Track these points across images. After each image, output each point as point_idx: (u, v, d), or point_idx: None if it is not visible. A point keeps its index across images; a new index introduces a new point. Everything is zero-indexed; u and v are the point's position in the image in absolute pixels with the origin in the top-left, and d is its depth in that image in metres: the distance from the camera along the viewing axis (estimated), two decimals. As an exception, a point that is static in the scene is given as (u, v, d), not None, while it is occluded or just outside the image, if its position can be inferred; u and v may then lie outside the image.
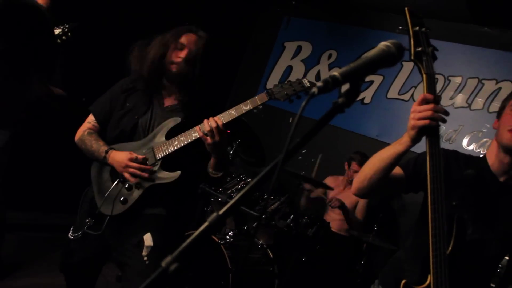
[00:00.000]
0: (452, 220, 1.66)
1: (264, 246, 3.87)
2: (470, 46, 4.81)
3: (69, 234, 2.36)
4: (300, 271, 3.93)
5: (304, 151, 5.40)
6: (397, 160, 1.69)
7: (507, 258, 2.00)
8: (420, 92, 4.89)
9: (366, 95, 5.36)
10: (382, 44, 1.00)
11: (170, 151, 2.21)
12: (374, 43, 1.02)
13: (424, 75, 1.59)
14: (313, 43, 6.01)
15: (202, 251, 3.56)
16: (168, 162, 2.25)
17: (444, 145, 4.60)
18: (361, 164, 4.52)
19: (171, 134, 2.24)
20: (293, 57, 6.14)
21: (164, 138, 2.24)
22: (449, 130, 4.68)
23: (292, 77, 6.00)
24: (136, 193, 2.24)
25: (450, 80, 4.84)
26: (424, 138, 1.59)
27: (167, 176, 2.23)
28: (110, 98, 2.40)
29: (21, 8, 2.54)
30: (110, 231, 2.28)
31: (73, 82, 3.49)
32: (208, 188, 3.99)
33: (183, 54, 2.23)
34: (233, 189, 4.07)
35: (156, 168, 2.24)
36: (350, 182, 4.69)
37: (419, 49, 1.59)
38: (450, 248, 1.63)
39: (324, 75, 5.75)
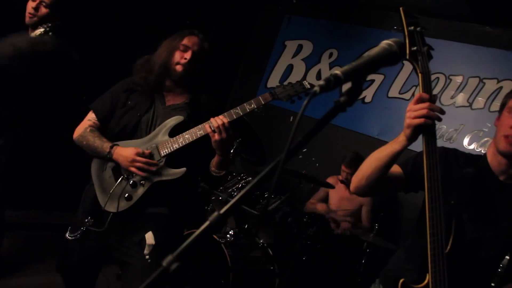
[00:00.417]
0: (450, 219, 1.66)
1: (265, 245, 3.87)
2: (471, 45, 4.80)
3: (67, 235, 2.36)
4: (301, 270, 3.93)
5: (305, 150, 5.40)
6: (394, 159, 1.70)
7: (507, 257, 2.00)
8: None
9: (367, 94, 5.35)
10: (384, 43, 1.00)
11: (174, 148, 2.23)
12: (375, 42, 1.01)
13: (420, 74, 1.60)
14: (314, 42, 6.00)
15: (203, 250, 3.56)
16: (173, 159, 2.26)
17: (445, 144, 4.59)
18: (347, 164, 4.51)
19: (174, 133, 2.25)
20: (294, 56, 6.13)
21: (167, 136, 2.26)
22: (450, 129, 4.68)
23: (293, 76, 6.04)
24: (141, 190, 2.25)
25: (451, 79, 4.83)
26: (420, 137, 1.59)
27: (173, 172, 2.24)
28: (111, 96, 2.41)
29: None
30: (111, 230, 2.28)
31: (73, 82, 3.47)
32: (208, 187, 3.99)
33: (187, 55, 2.27)
34: (233, 188, 4.07)
35: (161, 165, 2.25)
36: (343, 182, 4.66)
37: (414, 48, 1.60)
38: (448, 247, 1.63)
39: (325, 74, 5.75)
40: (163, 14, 4.96)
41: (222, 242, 3.50)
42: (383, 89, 5.26)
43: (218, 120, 2.12)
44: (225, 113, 2.18)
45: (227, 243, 3.55)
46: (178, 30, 2.39)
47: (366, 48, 5.31)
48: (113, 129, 2.36)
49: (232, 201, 0.87)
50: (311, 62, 5.95)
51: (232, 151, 4.12)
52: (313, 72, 5.90)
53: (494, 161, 1.84)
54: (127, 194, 2.25)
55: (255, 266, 3.72)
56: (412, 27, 1.62)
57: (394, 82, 5.20)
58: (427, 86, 1.60)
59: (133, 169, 2.20)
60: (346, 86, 0.92)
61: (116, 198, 2.26)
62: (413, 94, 5.05)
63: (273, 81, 6.23)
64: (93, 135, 2.34)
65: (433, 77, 4.90)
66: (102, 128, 2.41)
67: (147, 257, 2.19)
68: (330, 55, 5.81)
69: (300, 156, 5.38)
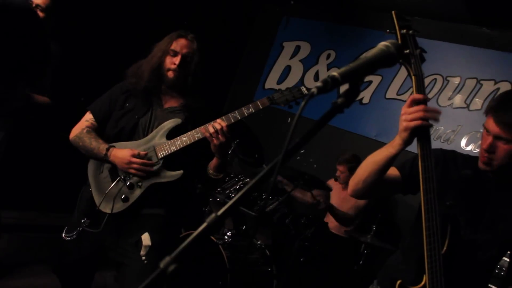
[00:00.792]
0: (446, 220, 1.66)
1: (263, 246, 3.86)
2: (469, 46, 4.81)
3: (63, 235, 2.35)
4: (299, 271, 3.93)
5: (303, 151, 5.40)
6: (390, 162, 1.71)
7: (506, 259, 2.00)
8: (419, 92, 4.92)
9: (365, 95, 5.36)
10: (382, 44, 1.00)
11: (172, 150, 2.23)
12: (373, 43, 1.02)
13: (413, 77, 1.62)
14: (311, 43, 6.00)
15: (201, 251, 3.55)
16: (170, 162, 2.26)
17: (442, 145, 4.60)
18: (339, 163, 4.52)
19: (171, 135, 2.25)
20: (291, 57, 6.14)
21: (165, 138, 2.26)
22: (447, 130, 4.68)
23: (291, 77, 6.04)
24: (138, 191, 2.25)
25: (448, 81, 4.84)
26: (415, 140, 1.60)
27: (170, 175, 2.25)
28: (109, 98, 2.41)
29: (14, 12, 2.52)
30: (108, 231, 2.28)
31: (72, 83, 3.48)
32: (206, 188, 3.98)
33: (177, 60, 2.28)
34: (231, 189, 4.07)
35: (158, 167, 2.25)
36: (337, 180, 4.66)
37: (407, 51, 1.62)
38: (445, 248, 1.63)
39: (323, 75, 5.76)
40: (161, 15, 4.96)
41: (220, 244, 3.50)
42: (381, 90, 5.27)
43: (217, 125, 2.13)
44: (223, 117, 2.19)
45: (225, 245, 3.54)
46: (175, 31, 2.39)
47: (364, 49, 5.32)
48: (111, 131, 2.37)
49: (230, 202, 0.87)
50: (309, 63, 5.95)
51: (230, 152, 4.12)
52: (310, 73, 5.90)
53: None
54: (123, 196, 2.25)
55: (253, 268, 3.71)
56: (404, 30, 1.64)
57: (391, 83, 5.21)
58: (421, 88, 1.61)
59: (131, 170, 2.21)
60: (343, 88, 0.92)
61: (112, 199, 2.26)
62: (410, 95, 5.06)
63: (271, 82, 6.24)
64: (89, 136, 2.34)
65: (430, 78, 4.92)
66: (99, 130, 2.41)
67: (143, 258, 2.19)
68: (328, 56, 5.81)
69: (298, 157, 5.38)
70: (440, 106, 4.77)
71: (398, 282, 1.68)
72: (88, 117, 2.43)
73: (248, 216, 3.92)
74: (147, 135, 2.31)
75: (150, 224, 2.28)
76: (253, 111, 2.21)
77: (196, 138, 2.20)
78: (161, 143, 2.26)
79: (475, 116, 4.61)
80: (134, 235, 2.25)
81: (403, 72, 5.10)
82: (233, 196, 3.98)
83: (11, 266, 3.65)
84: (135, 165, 2.20)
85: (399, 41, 1.63)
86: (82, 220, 2.29)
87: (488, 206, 1.81)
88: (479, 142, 4.48)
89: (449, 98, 4.80)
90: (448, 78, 4.85)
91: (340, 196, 4.70)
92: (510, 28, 4.55)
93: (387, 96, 5.23)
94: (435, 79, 4.88)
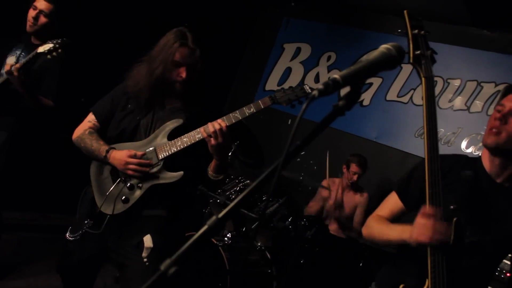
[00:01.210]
0: (450, 223, 1.66)
1: (263, 248, 3.86)
2: (469, 48, 4.81)
3: (67, 235, 2.35)
4: (298, 273, 3.92)
5: (303, 152, 5.40)
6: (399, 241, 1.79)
7: (507, 262, 2.00)
8: (419, 94, 4.92)
9: (365, 97, 5.36)
10: (383, 47, 1.00)
11: (173, 151, 2.22)
12: (374, 45, 1.02)
13: (423, 78, 1.60)
14: (312, 44, 6.01)
15: (201, 253, 3.55)
16: (170, 162, 2.25)
17: (443, 147, 4.60)
18: (360, 165, 4.52)
19: (172, 136, 2.25)
20: (292, 59, 6.14)
21: (166, 139, 2.25)
22: (448, 132, 4.68)
23: (291, 79, 6.05)
24: (138, 193, 2.24)
25: (449, 83, 4.84)
26: (423, 142, 1.60)
27: (170, 176, 2.24)
28: (112, 98, 2.41)
29: None
30: (109, 232, 2.27)
31: (73, 84, 3.49)
32: (206, 189, 3.98)
33: (183, 72, 2.21)
34: (231, 190, 4.07)
35: (158, 168, 2.24)
36: (350, 185, 4.68)
37: (418, 52, 1.60)
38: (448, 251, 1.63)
39: (323, 76, 5.76)
40: (161, 16, 4.96)
41: (220, 245, 3.50)
42: (381, 92, 5.27)
43: (216, 125, 2.09)
44: (224, 117, 2.16)
45: (225, 246, 3.54)
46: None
47: (364, 51, 5.33)
48: (112, 132, 2.36)
49: (231, 205, 0.87)
50: (309, 65, 5.96)
51: (230, 154, 4.12)
52: (311, 75, 5.91)
53: (489, 163, 1.85)
54: (124, 197, 2.24)
55: (253, 269, 3.71)
56: (416, 31, 1.63)
57: (392, 85, 5.21)
58: (430, 90, 1.60)
59: (128, 171, 2.20)
60: (344, 90, 0.92)
61: (113, 200, 2.25)
62: (411, 98, 5.05)
63: (271, 83, 6.24)
64: (90, 138, 2.34)
65: (431, 80, 4.91)
66: (101, 130, 2.41)
67: (145, 260, 2.18)
68: (329, 58, 5.81)
69: (298, 159, 5.38)
70: (440, 108, 4.77)
71: (401, 286, 1.68)
72: (91, 118, 2.43)
73: (249, 217, 3.92)
74: (148, 136, 2.31)
75: (151, 225, 2.27)
76: (254, 111, 2.17)
77: (197, 139, 2.18)
78: (162, 144, 2.25)
79: (475, 118, 4.61)
80: (135, 236, 2.24)
81: (403, 74, 5.11)
82: (233, 198, 3.99)
83: (11, 266, 3.65)
84: (131, 166, 2.19)
85: (411, 41, 1.62)
86: (86, 221, 2.29)
87: (489, 207, 1.81)
88: (480, 144, 4.51)
89: (450, 100, 4.80)
90: (448, 81, 4.85)
91: (339, 198, 4.70)
92: (511, 30, 4.56)
93: (388, 98, 5.23)
94: (436, 81, 4.88)
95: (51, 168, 4.60)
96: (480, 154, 1.92)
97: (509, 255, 2.00)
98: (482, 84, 4.66)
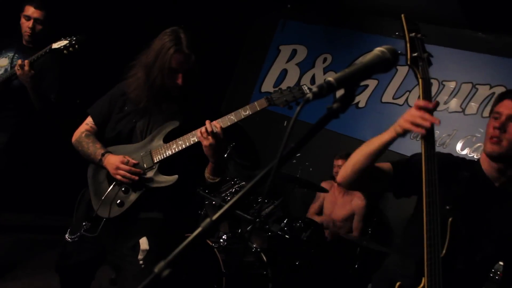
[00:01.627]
0: (446, 223, 1.67)
1: (258, 249, 3.86)
2: (464, 51, 4.83)
3: (66, 236, 2.36)
4: (294, 275, 3.92)
5: (299, 154, 5.40)
6: (382, 147, 1.73)
7: (501, 263, 2.01)
8: (415, 96, 4.93)
9: (361, 99, 5.37)
10: (377, 50, 1.00)
11: (168, 154, 2.21)
12: (370, 47, 1.02)
13: (420, 80, 1.63)
14: (308, 46, 6.01)
15: (196, 254, 3.54)
16: (166, 165, 2.25)
17: (438, 149, 4.60)
18: (341, 157, 4.55)
19: (169, 138, 2.24)
20: (288, 61, 6.14)
21: (162, 142, 2.24)
22: (443, 134, 4.70)
23: (287, 81, 6.05)
24: (133, 196, 2.24)
25: (444, 85, 4.86)
26: (418, 144, 1.61)
27: (165, 180, 2.23)
28: (109, 100, 2.40)
29: None
30: (106, 234, 2.27)
31: (69, 85, 3.49)
32: (202, 191, 3.98)
33: (179, 79, 2.19)
34: (227, 192, 4.07)
35: (153, 171, 2.24)
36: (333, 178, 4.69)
37: (415, 54, 1.63)
38: (444, 251, 1.64)
39: (319, 78, 5.76)
40: (158, 17, 4.95)
41: (215, 247, 3.50)
42: (377, 94, 5.28)
43: (209, 127, 2.08)
44: (220, 119, 2.15)
45: (220, 248, 3.54)
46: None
47: (360, 53, 5.34)
48: (109, 134, 2.36)
49: (224, 208, 0.87)
50: (305, 66, 5.96)
51: (225, 155, 4.12)
52: (307, 76, 5.91)
53: (488, 167, 1.86)
54: (119, 200, 2.24)
55: (248, 271, 3.71)
56: (413, 34, 1.65)
57: (387, 88, 5.22)
58: (427, 92, 1.63)
59: (117, 177, 2.19)
60: (339, 93, 0.93)
61: (109, 203, 2.25)
62: (406, 99, 5.06)
63: (267, 85, 6.24)
64: (87, 141, 2.34)
65: (426, 82, 4.93)
66: (99, 132, 2.41)
67: (140, 262, 2.18)
68: (324, 60, 5.82)
69: (294, 161, 5.38)
70: (435, 110, 4.78)
71: (398, 284, 1.69)
72: (88, 121, 2.43)
73: (244, 219, 3.92)
74: (144, 138, 2.30)
75: (147, 228, 2.27)
76: (250, 112, 2.15)
77: (192, 142, 2.17)
78: (158, 146, 2.24)
79: (470, 120, 4.63)
80: (131, 239, 2.24)
81: (399, 76, 5.12)
82: (229, 200, 3.98)
83: (7, 267, 3.63)
84: (121, 172, 2.18)
85: (408, 44, 1.64)
86: (83, 223, 2.29)
87: (486, 209, 1.82)
88: (475, 146, 4.54)
89: (445, 103, 4.82)
90: (443, 83, 4.87)
91: (337, 201, 4.71)
92: (506, 33, 4.58)
93: (383, 100, 5.24)
94: (431, 83, 4.89)
95: (47, 169, 4.59)
96: (475, 156, 1.94)
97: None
98: (477, 86, 4.67)
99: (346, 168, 1.83)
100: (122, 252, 2.26)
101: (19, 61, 3.06)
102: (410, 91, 5.05)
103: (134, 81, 2.31)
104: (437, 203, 1.57)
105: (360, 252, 4.03)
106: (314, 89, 0.86)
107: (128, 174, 2.18)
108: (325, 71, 5.76)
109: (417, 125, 1.57)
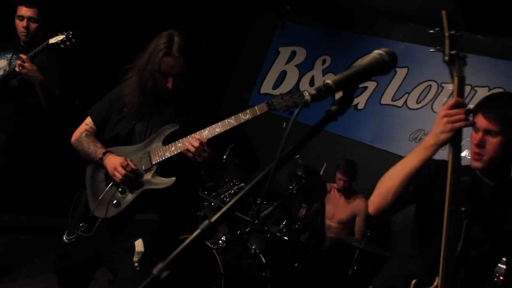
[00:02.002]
0: (461, 225, 1.68)
1: (257, 251, 3.86)
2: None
3: (64, 237, 2.36)
4: (293, 276, 3.93)
5: (298, 156, 5.40)
6: (424, 166, 1.70)
7: (502, 266, 2.02)
8: (414, 98, 4.94)
9: (360, 101, 5.37)
10: (376, 53, 1.00)
11: (166, 156, 2.22)
12: (369, 49, 1.02)
13: (456, 78, 1.65)
14: (307, 48, 6.02)
15: (195, 256, 3.55)
16: (164, 167, 2.25)
17: (438, 151, 4.61)
18: (344, 173, 4.52)
19: (168, 141, 2.24)
20: (287, 62, 6.15)
21: (161, 144, 2.25)
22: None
23: (286, 82, 6.06)
24: (130, 197, 2.24)
25: (443, 87, 4.86)
26: (448, 152, 1.62)
27: (162, 181, 2.23)
28: (109, 101, 2.41)
29: None
30: (103, 236, 2.27)
31: (67, 86, 3.49)
32: (201, 192, 3.98)
33: (169, 83, 2.20)
34: (226, 193, 4.06)
35: (151, 173, 2.24)
36: (341, 191, 4.67)
37: (454, 52, 1.65)
38: (458, 250, 1.65)
39: (318, 80, 5.77)
40: (156, 18, 4.96)
41: (214, 248, 3.50)
42: (376, 96, 5.29)
43: (194, 143, 2.11)
44: (219, 123, 2.16)
45: (219, 249, 3.54)
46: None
47: (359, 55, 5.34)
48: (108, 135, 2.37)
49: (223, 210, 0.87)
50: (304, 68, 5.97)
51: (224, 156, 4.13)
52: (306, 78, 5.92)
53: (480, 171, 1.88)
54: (115, 201, 2.24)
55: (247, 272, 3.71)
56: (453, 31, 1.66)
57: (386, 89, 5.23)
58: (461, 90, 1.65)
59: (114, 177, 2.21)
60: (338, 95, 0.93)
61: (105, 203, 2.25)
62: (405, 101, 5.06)
63: (266, 87, 6.25)
64: (88, 141, 2.35)
65: (425, 84, 4.94)
66: (99, 133, 2.42)
67: (136, 264, 2.17)
68: (324, 61, 5.83)
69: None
70: (434, 112, 4.79)
71: (414, 281, 1.69)
72: (88, 121, 2.44)
73: (243, 221, 3.92)
74: (144, 140, 2.31)
75: (143, 229, 2.27)
76: (250, 117, 2.15)
77: None
78: (157, 148, 2.25)
79: (469, 122, 4.63)
80: (127, 240, 2.24)
81: (398, 78, 5.13)
82: (228, 201, 3.99)
83: (4, 269, 3.63)
84: (117, 174, 2.19)
85: (447, 41, 1.65)
86: (81, 224, 2.29)
87: (489, 209, 1.84)
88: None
89: (444, 105, 4.82)
90: (442, 85, 4.87)
91: (339, 203, 4.71)
92: (504, 35, 4.59)
93: (382, 101, 5.24)
94: (430, 85, 4.90)
95: (46, 170, 4.58)
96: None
97: (503, 258, 2.01)
98: (476, 88, 4.68)
99: (384, 196, 1.77)
100: (118, 254, 2.27)
101: (18, 62, 3.06)
102: (409, 93, 5.06)
103: (128, 85, 2.32)
104: (459, 203, 1.59)
105: (358, 255, 4.04)
106: (313, 91, 0.87)
107: (124, 179, 2.19)
108: (324, 72, 5.77)
109: (457, 121, 1.60)
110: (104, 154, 2.26)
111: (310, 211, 4.59)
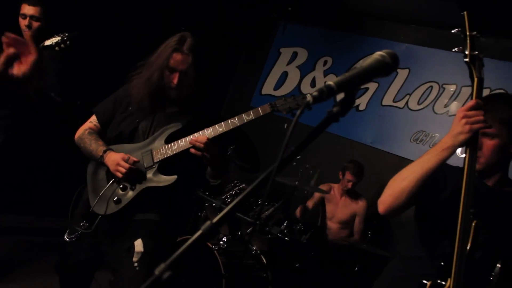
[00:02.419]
0: (470, 226, 1.68)
1: (258, 252, 3.86)
2: (465, 54, 4.83)
3: (65, 236, 2.36)
4: (294, 277, 3.92)
5: (299, 157, 5.39)
6: (439, 168, 1.71)
7: (498, 265, 2.02)
8: (415, 99, 4.94)
9: (361, 102, 5.37)
10: (377, 54, 1.00)
11: (168, 155, 2.23)
12: (370, 51, 1.02)
13: (476, 79, 1.65)
14: (308, 49, 6.03)
15: (196, 256, 3.55)
16: (166, 166, 2.26)
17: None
18: (354, 173, 4.53)
19: (171, 140, 2.25)
20: (288, 63, 6.16)
21: (163, 142, 2.26)
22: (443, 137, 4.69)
23: (288, 83, 6.06)
24: (131, 194, 2.25)
25: (444, 88, 4.86)
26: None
27: (163, 179, 2.24)
28: (114, 100, 2.43)
29: None
30: (103, 236, 2.28)
31: (69, 86, 3.50)
32: (202, 193, 3.98)
33: (175, 79, 2.22)
34: (227, 194, 4.07)
35: (153, 171, 2.25)
36: (346, 192, 4.69)
37: (475, 53, 1.65)
38: (467, 251, 1.66)
39: (319, 81, 5.78)
40: (159, 20, 4.97)
41: (215, 249, 3.50)
42: (377, 97, 5.29)
43: (200, 139, 2.11)
44: (222, 123, 2.17)
45: (220, 250, 3.54)
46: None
47: (360, 56, 5.35)
48: (111, 133, 2.38)
49: (225, 210, 0.87)
50: (305, 69, 5.98)
51: (225, 157, 4.12)
52: (307, 79, 5.92)
53: (477, 172, 1.88)
54: (116, 198, 2.25)
55: (248, 273, 3.71)
56: (474, 32, 1.67)
57: (388, 91, 5.23)
58: (480, 92, 1.64)
59: (117, 174, 2.21)
60: (339, 96, 0.93)
61: (106, 200, 2.26)
62: (406, 103, 5.07)
63: (267, 88, 6.25)
64: (90, 138, 2.36)
65: (426, 86, 4.94)
66: (102, 131, 2.43)
67: (135, 264, 2.18)
68: (325, 62, 5.83)
69: (294, 163, 5.38)
70: (436, 113, 4.79)
71: (429, 283, 1.69)
72: (93, 119, 2.46)
73: (244, 221, 3.92)
74: (147, 138, 2.32)
75: (143, 229, 2.27)
76: (253, 117, 2.16)
77: None
78: (159, 147, 2.26)
79: (470, 123, 4.62)
80: (127, 240, 2.24)
81: (399, 79, 5.13)
82: (229, 202, 3.99)
83: (6, 269, 3.63)
84: (121, 168, 2.20)
85: (468, 42, 1.66)
86: (82, 223, 2.29)
87: (490, 210, 1.85)
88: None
89: (445, 106, 4.82)
90: (444, 86, 4.88)
91: (339, 203, 4.72)
92: (505, 37, 4.59)
93: (384, 103, 5.25)
94: (431, 86, 4.91)
95: (47, 171, 4.59)
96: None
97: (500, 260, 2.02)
98: (477, 89, 4.68)
99: (397, 196, 1.76)
100: (118, 254, 2.27)
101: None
102: (410, 94, 5.06)
103: (137, 79, 2.35)
104: (471, 205, 1.59)
105: (360, 256, 4.04)
106: (314, 93, 0.87)
107: (127, 171, 2.19)
108: (326, 73, 5.77)
109: (476, 123, 1.59)
110: (105, 151, 2.27)
111: (307, 211, 4.61)
